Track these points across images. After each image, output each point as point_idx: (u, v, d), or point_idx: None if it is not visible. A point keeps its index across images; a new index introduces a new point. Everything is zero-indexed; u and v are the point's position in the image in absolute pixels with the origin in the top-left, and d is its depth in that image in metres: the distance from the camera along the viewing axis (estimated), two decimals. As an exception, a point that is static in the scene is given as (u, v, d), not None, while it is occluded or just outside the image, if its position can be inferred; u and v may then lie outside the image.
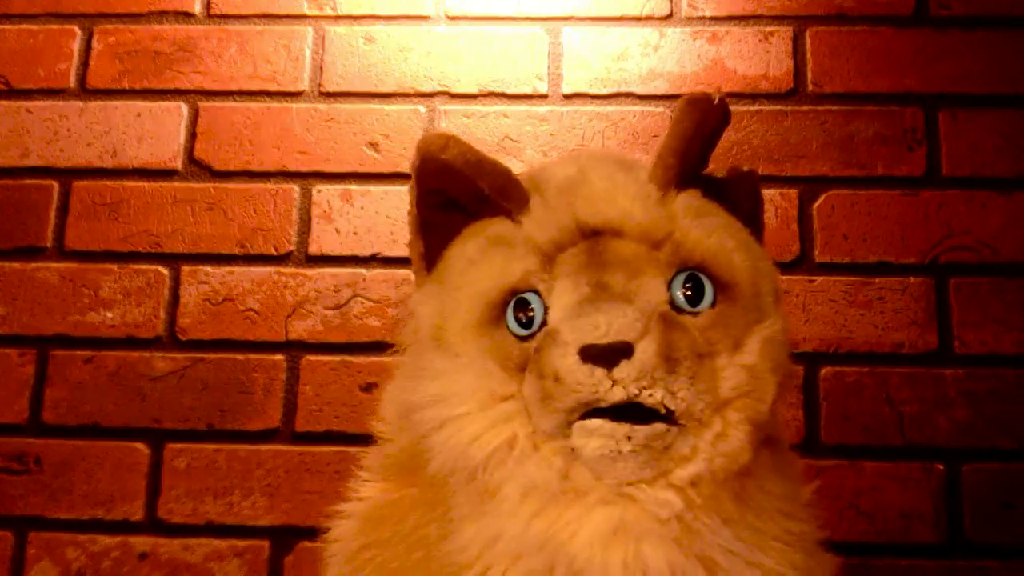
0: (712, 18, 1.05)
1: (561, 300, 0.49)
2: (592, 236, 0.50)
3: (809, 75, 1.03)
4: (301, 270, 1.01)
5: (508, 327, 0.51)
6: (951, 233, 0.98)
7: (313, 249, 1.01)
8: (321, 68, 1.06)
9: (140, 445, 0.97)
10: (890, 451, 0.93)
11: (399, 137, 1.04)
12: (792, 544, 0.49)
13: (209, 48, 1.07)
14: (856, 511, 0.92)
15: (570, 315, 0.48)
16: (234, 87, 1.06)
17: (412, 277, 1.00)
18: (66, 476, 0.97)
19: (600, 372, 0.46)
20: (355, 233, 1.02)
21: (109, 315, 1.01)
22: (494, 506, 0.48)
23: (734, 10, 1.05)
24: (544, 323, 0.50)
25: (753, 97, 1.03)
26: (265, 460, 0.96)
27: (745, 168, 0.57)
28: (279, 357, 0.99)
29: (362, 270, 1.00)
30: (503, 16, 1.07)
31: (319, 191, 1.03)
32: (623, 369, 0.46)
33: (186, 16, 1.09)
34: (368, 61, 1.06)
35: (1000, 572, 0.90)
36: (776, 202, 1.00)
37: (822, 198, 1.00)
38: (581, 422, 0.47)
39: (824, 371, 0.95)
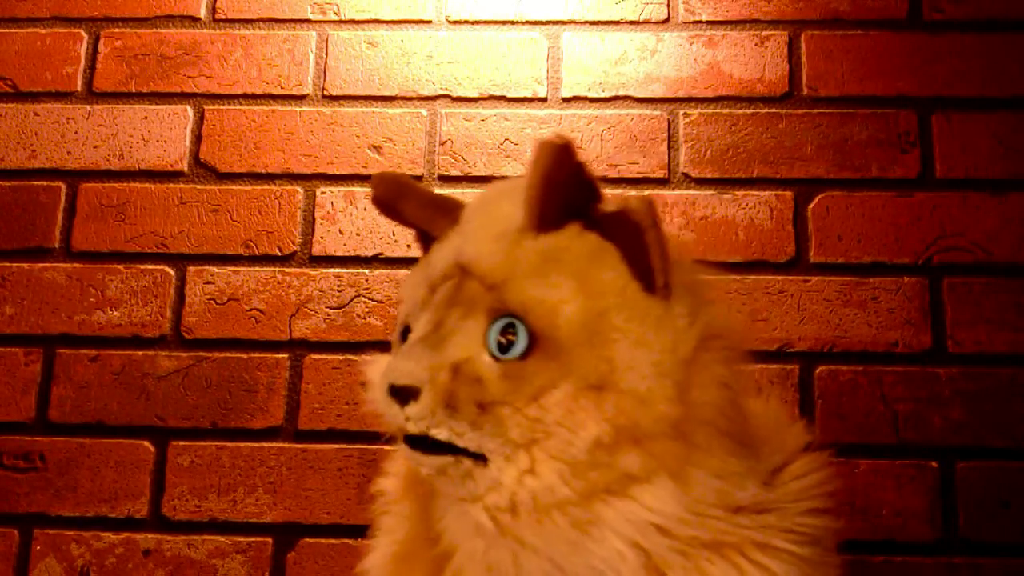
0: (708, 22, 1.06)
1: (414, 334, 0.56)
2: (463, 272, 0.55)
3: (804, 78, 1.04)
4: (305, 270, 1.02)
5: None
6: (944, 234, 0.99)
7: (317, 250, 1.03)
8: (325, 72, 1.08)
9: (145, 443, 0.98)
10: (885, 449, 0.94)
11: (401, 139, 1.05)
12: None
13: (214, 52, 1.09)
14: (851, 508, 0.93)
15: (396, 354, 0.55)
16: (239, 90, 1.07)
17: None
18: (71, 474, 0.97)
19: (396, 408, 0.52)
20: (358, 234, 1.03)
21: (115, 314, 1.02)
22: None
23: (730, 15, 1.06)
24: None
25: (749, 100, 1.04)
26: (268, 458, 0.97)
27: (629, 205, 0.52)
28: (283, 356, 1.00)
29: (365, 270, 1.02)
30: (503, 20, 1.08)
31: (323, 193, 1.04)
32: (411, 408, 0.52)
33: (192, 20, 1.10)
34: (371, 65, 1.08)
35: (996, 569, 0.90)
36: (772, 204, 1.01)
37: (817, 200, 1.01)
38: (402, 444, 0.55)
39: (819, 370, 0.96)
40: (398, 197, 0.58)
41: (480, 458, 0.52)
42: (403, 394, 0.52)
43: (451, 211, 0.58)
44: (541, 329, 0.52)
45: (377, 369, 0.59)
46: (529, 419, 0.51)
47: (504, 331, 0.52)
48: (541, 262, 0.53)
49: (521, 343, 0.52)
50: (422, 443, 0.53)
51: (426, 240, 0.62)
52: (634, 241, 0.53)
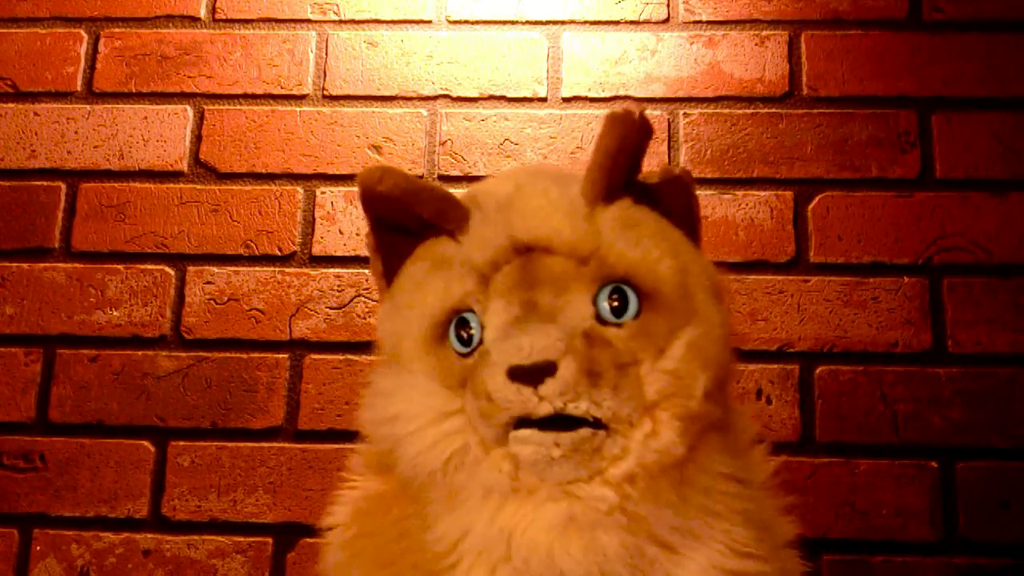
0: (709, 22, 1.06)
1: (494, 320, 0.53)
2: (525, 253, 0.53)
3: (804, 78, 1.04)
4: (305, 270, 1.02)
5: (451, 345, 0.54)
6: (944, 234, 0.99)
7: (317, 250, 1.03)
8: (325, 72, 1.08)
9: (145, 443, 0.98)
10: (885, 449, 0.94)
11: (401, 139, 1.05)
12: (739, 519, 0.53)
13: (214, 52, 1.09)
14: (851, 508, 0.93)
15: (499, 336, 0.52)
16: (239, 90, 1.07)
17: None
18: (71, 474, 0.98)
19: (527, 390, 0.49)
20: (358, 234, 1.03)
21: (115, 314, 1.02)
22: (460, 503, 0.53)
23: (730, 14, 1.06)
24: (481, 341, 0.53)
25: (749, 100, 1.04)
26: (268, 458, 0.97)
27: (676, 171, 0.58)
28: (283, 356, 1.00)
29: (365, 270, 1.01)
30: (504, 20, 1.08)
31: (323, 192, 1.04)
32: (548, 386, 0.49)
33: (192, 20, 1.10)
34: (371, 65, 1.08)
35: (995, 569, 0.90)
36: (772, 204, 1.01)
37: (817, 200, 1.01)
38: (514, 432, 0.51)
39: (819, 370, 0.97)
40: (411, 192, 0.54)
41: (607, 429, 0.51)
42: (535, 373, 0.49)
43: (457, 204, 0.56)
44: (647, 288, 0.53)
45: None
46: (666, 372, 0.52)
47: (610, 297, 0.52)
48: (623, 228, 0.54)
49: (633, 305, 0.52)
50: (552, 423, 0.50)
51: (391, 239, 0.58)
52: (683, 202, 0.57)
